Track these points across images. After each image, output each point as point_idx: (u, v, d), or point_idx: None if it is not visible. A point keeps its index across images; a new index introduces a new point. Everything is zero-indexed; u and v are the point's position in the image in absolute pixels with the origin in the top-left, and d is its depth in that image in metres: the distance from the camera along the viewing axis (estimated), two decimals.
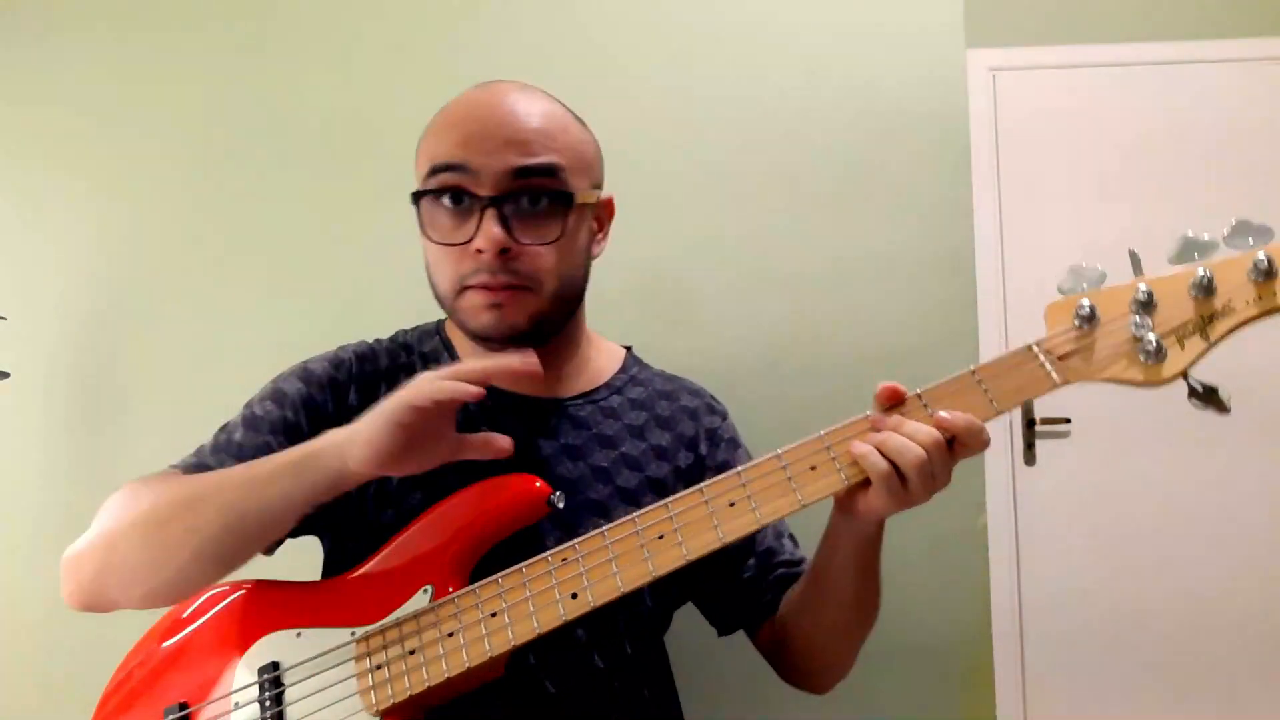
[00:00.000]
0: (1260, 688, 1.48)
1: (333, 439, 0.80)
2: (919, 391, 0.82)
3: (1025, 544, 1.48)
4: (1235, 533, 1.49)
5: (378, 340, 1.06)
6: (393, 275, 1.39)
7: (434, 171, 0.91)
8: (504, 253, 0.88)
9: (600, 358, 1.06)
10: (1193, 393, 0.80)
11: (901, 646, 1.24)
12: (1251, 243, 0.82)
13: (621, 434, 0.99)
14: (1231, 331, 0.79)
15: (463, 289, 0.91)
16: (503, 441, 0.82)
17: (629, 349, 1.11)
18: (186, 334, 1.42)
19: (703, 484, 0.82)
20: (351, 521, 0.95)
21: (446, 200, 0.90)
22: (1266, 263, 0.78)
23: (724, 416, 1.08)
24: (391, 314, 1.32)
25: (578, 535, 0.84)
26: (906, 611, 1.24)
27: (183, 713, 0.85)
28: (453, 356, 1.02)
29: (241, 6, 1.47)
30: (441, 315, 1.11)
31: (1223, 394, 0.78)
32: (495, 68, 1.41)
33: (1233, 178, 1.66)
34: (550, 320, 0.94)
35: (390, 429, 0.76)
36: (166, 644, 0.91)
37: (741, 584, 1.00)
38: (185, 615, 0.92)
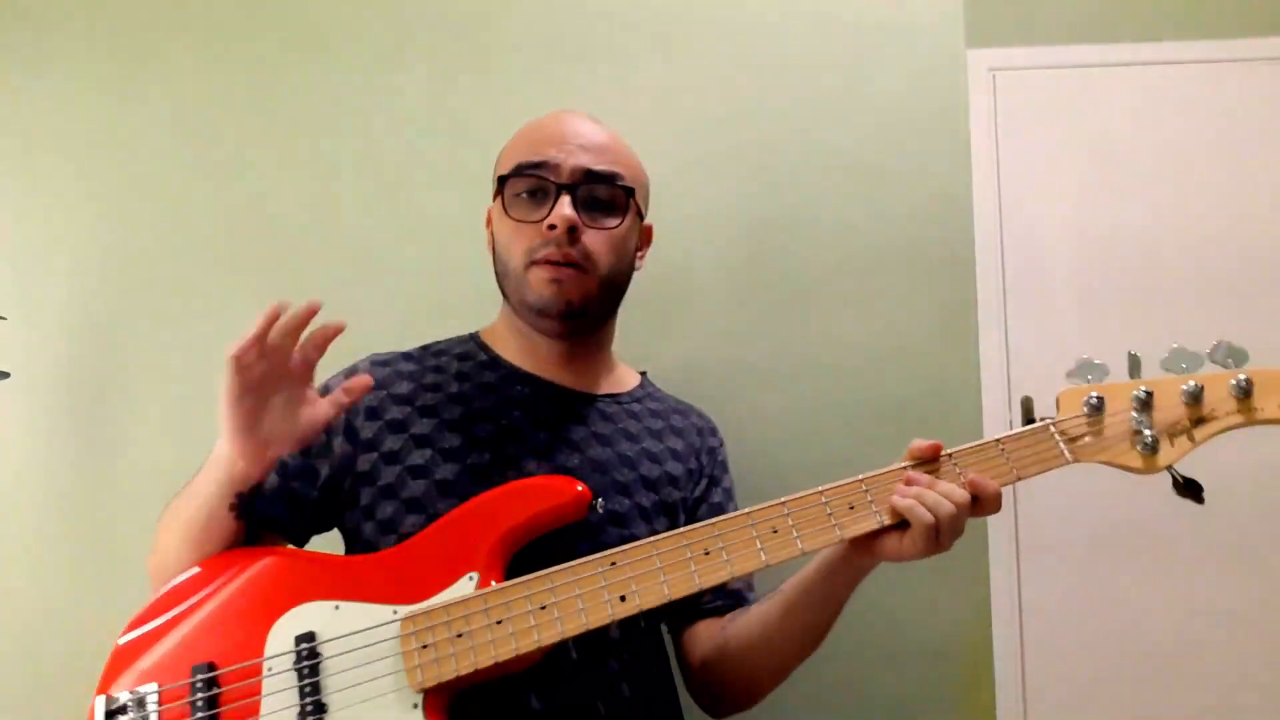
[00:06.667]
0: (1262, 690, 1.52)
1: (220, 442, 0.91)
2: (950, 452, 0.91)
3: (1025, 545, 1.50)
4: (1238, 535, 1.52)
5: (411, 349, 1.11)
6: (392, 274, 1.43)
7: (519, 170, 1.04)
8: (571, 231, 1.00)
9: (621, 371, 1.17)
10: (1176, 484, 0.92)
11: (901, 647, 1.27)
12: (1231, 364, 0.95)
13: (643, 433, 1.09)
14: (1214, 435, 0.92)
15: (531, 264, 1.02)
16: (361, 381, 0.94)
17: (644, 374, 1.20)
18: (186, 334, 1.43)
19: (749, 509, 0.89)
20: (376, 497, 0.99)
21: (525, 194, 1.04)
22: (1246, 382, 0.92)
23: (722, 443, 1.18)
24: (393, 313, 1.35)
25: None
26: (907, 612, 1.28)
27: (211, 674, 0.86)
28: (487, 354, 1.09)
29: (242, 8, 1.49)
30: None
31: (1202, 489, 0.91)
32: (495, 68, 1.46)
33: (1233, 178, 1.70)
34: (597, 305, 1.05)
35: (229, 407, 0.86)
36: (194, 600, 0.91)
37: None
38: (214, 575, 0.93)
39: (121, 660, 0.90)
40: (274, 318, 0.87)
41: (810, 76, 1.44)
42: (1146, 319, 1.63)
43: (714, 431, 1.18)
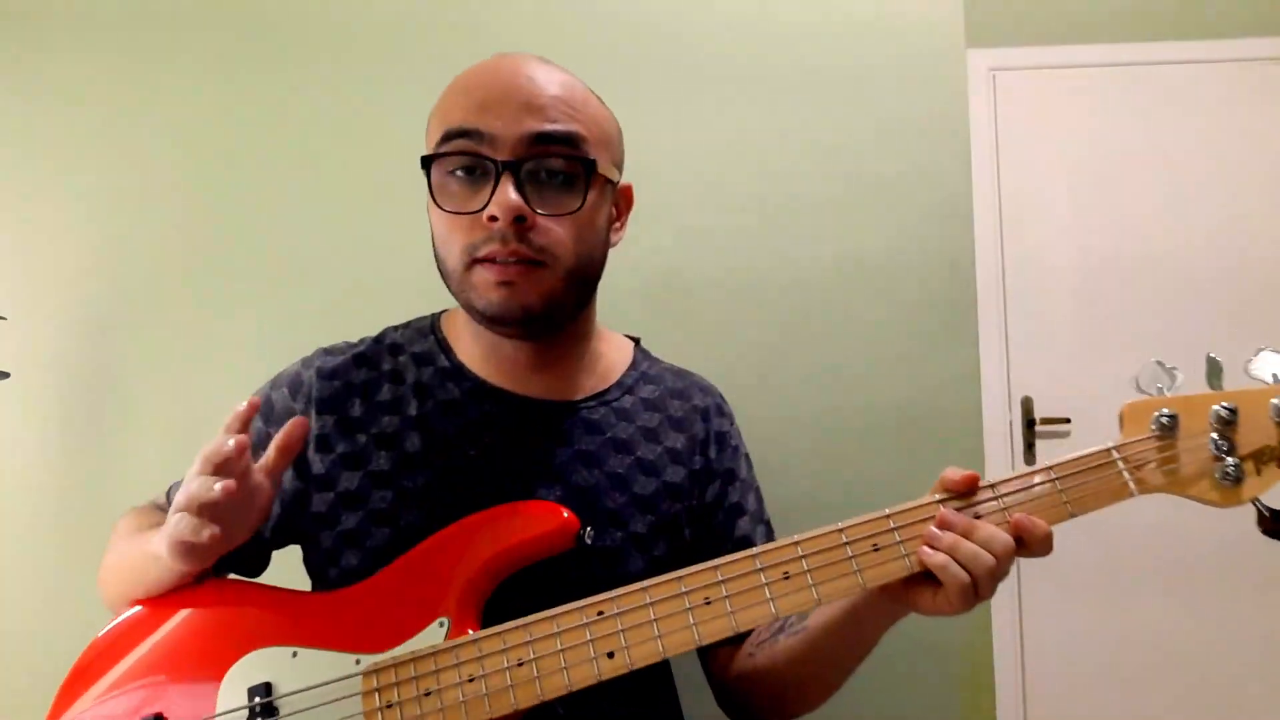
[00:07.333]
0: (1260, 695, 1.52)
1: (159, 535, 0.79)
2: (992, 482, 0.78)
3: None
4: (1237, 533, 1.51)
5: (362, 340, 0.98)
6: (392, 275, 1.38)
7: (447, 138, 0.83)
8: (519, 222, 0.81)
9: (610, 352, 1.00)
10: (1261, 519, 0.79)
11: (901, 647, 1.20)
12: None
13: (636, 437, 0.94)
14: None
15: (472, 263, 0.83)
16: (291, 434, 0.80)
17: (637, 341, 1.05)
18: (186, 334, 1.41)
19: (756, 550, 0.78)
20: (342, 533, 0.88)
21: (459, 172, 0.83)
22: None
23: (732, 420, 1.03)
24: (391, 315, 1.26)
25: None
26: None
27: None
28: (449, 359, 0.94)
29: (241, 9, 1.45)
30: (436, 309, 1.03)
31: None
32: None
33: (1232, 177, 1.67)
34: (563, 304, 0.86)
35: (177, 561, 0.76)
36: (139, 640, 0.83)
37: None
38: (162, 614, 0.84)
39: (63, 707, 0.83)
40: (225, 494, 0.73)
41: (809, 76, 1.40)
42: (1146, 319, 1.59)
43: (720, 410, 1.01)
